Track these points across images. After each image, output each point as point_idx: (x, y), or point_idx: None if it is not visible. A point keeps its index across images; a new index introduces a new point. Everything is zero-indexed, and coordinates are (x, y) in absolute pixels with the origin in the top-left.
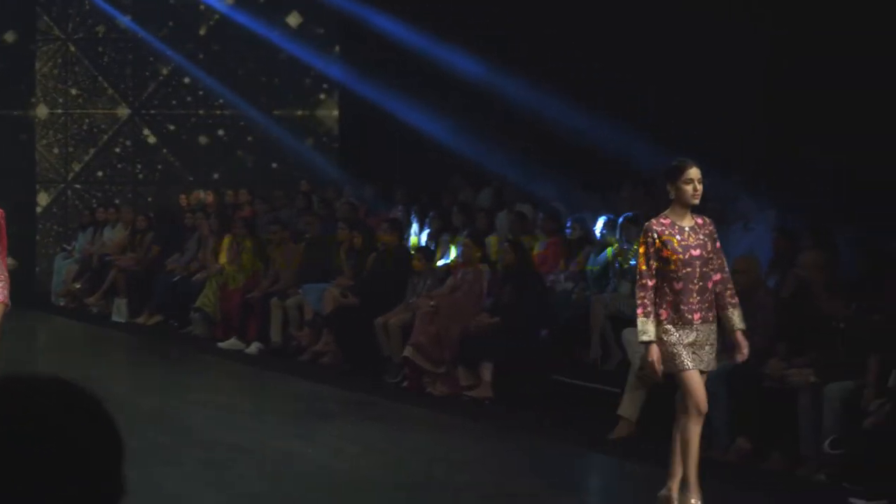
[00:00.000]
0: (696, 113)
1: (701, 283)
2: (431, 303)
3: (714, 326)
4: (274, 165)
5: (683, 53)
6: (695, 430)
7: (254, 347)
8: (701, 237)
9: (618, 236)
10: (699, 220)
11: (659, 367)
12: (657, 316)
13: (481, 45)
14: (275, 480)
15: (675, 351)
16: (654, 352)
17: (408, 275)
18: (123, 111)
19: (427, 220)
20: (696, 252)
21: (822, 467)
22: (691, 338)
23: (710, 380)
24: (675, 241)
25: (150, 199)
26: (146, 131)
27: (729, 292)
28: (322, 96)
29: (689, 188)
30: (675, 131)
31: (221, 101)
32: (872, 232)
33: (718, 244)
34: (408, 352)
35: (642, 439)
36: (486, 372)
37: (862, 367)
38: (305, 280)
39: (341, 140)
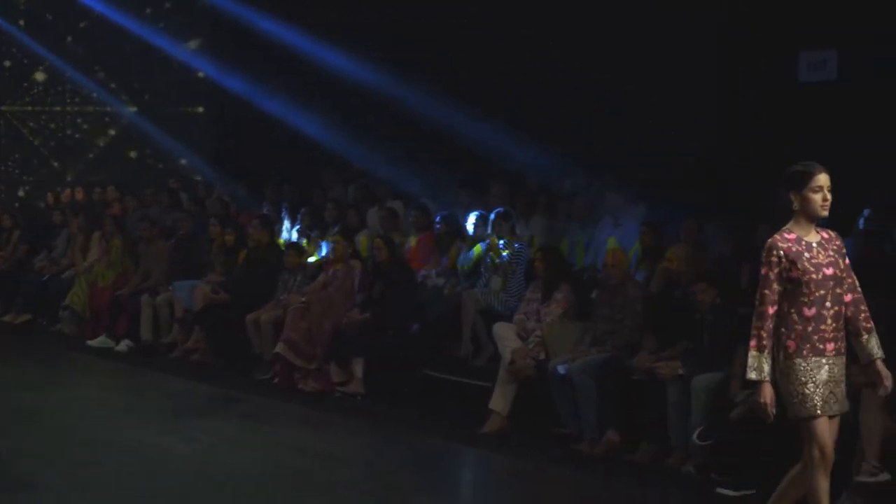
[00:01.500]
0: (566, 108)
1: (836, 308)
2: (302, 299)
3: (845, 359)
4: (145, 162)
5: (549, 47)
6: (824, 485)
7: (123, 345)
8: (831, 253)
9: (489, 232)
10: (825, 235)
11: (772, 409)
12: (784, 349)
13: (352, 41)
14: (149, 478)
15: (805, 392)
16: (768, 392)
17: (279, 271)
18: None
19: (298, 217)
20: (830, 271)
21: (691, 458)
22: (824, 374)
23: (579, 373)
24: (804, 259)
25: (20, 195)
26: (17, 128)
27: (864, 315)
28: (193, 93)
29: (817, 197)
30: (545, 127)
31: (95, 96)
32: (738, 225)
33: (847, 260)
34: (279, 348)
35: (514, 433)
36: (358, 368)
37: (728, 359)
38: (176, 277)
39: (213, 137)
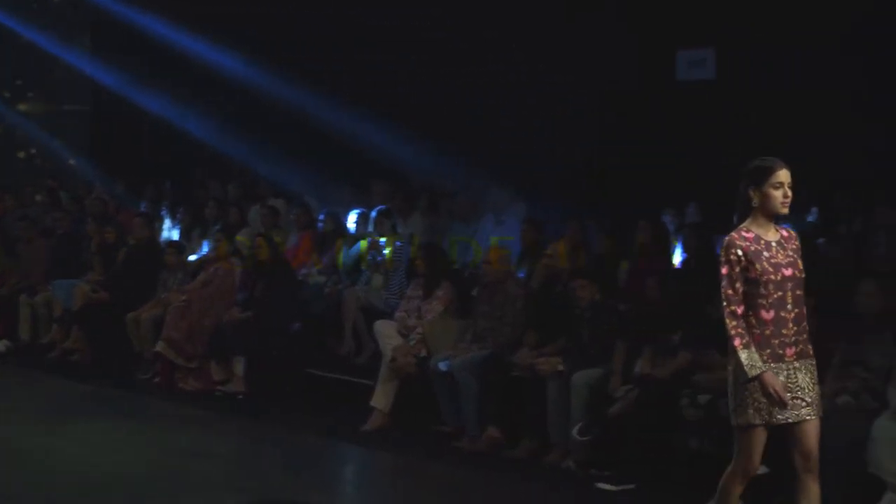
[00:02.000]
0: (447, 106)
1: (797, 311)
2: (183, 297)
3: (814, 362)
4: (32, 163)
5: (430, 45)
6: (736, 491)
7: (2, 345)
8: (790, 253)
9: (370, 230)
10: (784, 233)
11: (784, 394)
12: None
13: (234, 39)
14: (29, 478)
15: (757, 399)
16: (775, 380)
17: (159, 270)
18: None
19: (178, 215)
20: (789, 272)
21: (571, 454)
22: (781, 379)
23: (460, 370)
24: (763, 258)
25: None
26: None
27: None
28: (71, 91)
29: (778, 194)
30: (426, 125)
31: None
32: (618, 223)
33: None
34: (159, 347)
35: (395, 430)
36: (239, 366)
37: (608, 355)
38: (55, 276)
39: (94, 136)
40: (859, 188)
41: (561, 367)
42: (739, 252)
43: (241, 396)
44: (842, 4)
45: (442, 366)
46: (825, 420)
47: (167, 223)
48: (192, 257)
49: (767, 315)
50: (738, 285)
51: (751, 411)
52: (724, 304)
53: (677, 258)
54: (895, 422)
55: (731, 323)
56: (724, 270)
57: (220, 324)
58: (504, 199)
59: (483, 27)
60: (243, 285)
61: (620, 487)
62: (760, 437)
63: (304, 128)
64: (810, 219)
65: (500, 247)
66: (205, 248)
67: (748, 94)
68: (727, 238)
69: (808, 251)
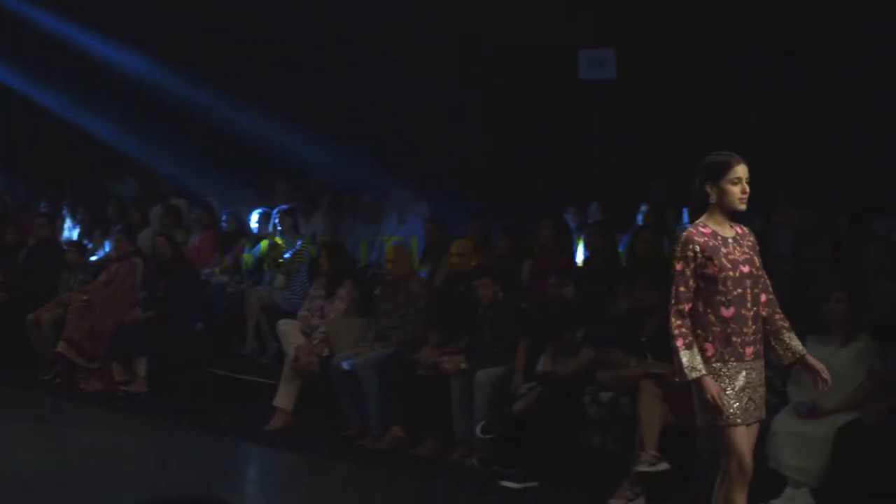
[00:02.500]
0: (350, 106)
1: (755, 309)
2: (84, 297)
3: (763, 362)
4: None
5: (331, 45)
6: (741, 498)
7: None
8: (746, 250)
9: (272, 229)
10: (739, 230)
11: (722, 403)
12: (702, 352)
13: (135, 38)
14: None
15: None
16: (713, 386)
17: (60, 270)
18: None
19: (78, 215)
20: (746, 269)
21: (474, 452)
22: (742, 380)
23: (363, 369)
24: (720, 254)
25: None
26: None
27: (779, 315)
28: None
29: (736, 189)
30: (328, 124)
31: None
32: (520, 222)
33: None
34: (60, 347)
35: (298, 430)
36: (141, 366)
37: (511, 353)
38: None
39: None
40: (759, 187)
41: (464, 366)
42: (697, 248)
43: (143, 396)
44: (742, 4)
45: (345, 365)
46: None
47: (68, 223)
48: (94, 257)
49: (727, 312)
50: (691, 283)
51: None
52: (672, 301)
53: (580, 257)
54: (794, 417)
55: (675, 322)
56: (678, 267)
57: (122, 324)
58: (406, 199)
59: (381, 27)
60: (145, 285)
61: (524, 485)
62: (741, 434)
63: (207, 127)
64: None
65: (401, 245)
66: (106, 248)
67: (649, 94)
68: (685, 233)
69: None
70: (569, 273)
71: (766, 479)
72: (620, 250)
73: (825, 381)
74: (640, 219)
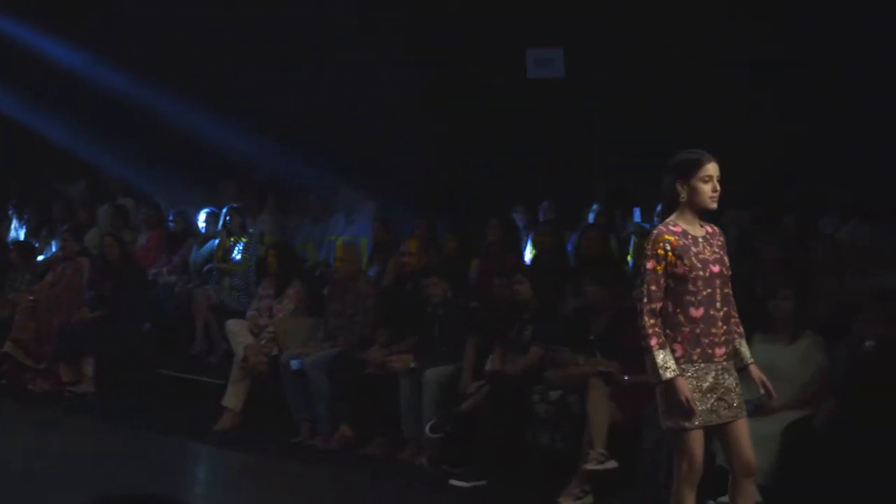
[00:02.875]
0: (298, 105)
1: (725, 309)
2: (31, 298)
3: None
4: None
5: (277, 45)
6: (690, 499)
7: None
8: (716, 249)
9: (220, 229)
10: (709, 229)
11: (694, 403)
12: (671, 352)
13: (82, 37)
14: None
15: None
16: (686, 387)
17: (6, 270)
18: None
19: (25, 215)
20: (716, 268)
21: (423, 451)
22: (709, 381)
23: (312, 368)
24: (691, 253)
25: None
26: None
27: (735, 319)
28: None
29: (707, 188)
30: (277, 124)
31: None
32: (468, 221)
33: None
34: (7, 348)
35: (247, 429)
36: (88, 367)
37: (459, 352)
38: None
39: None
40: None
41: (413, 365)
42: (668, 247)
43: (90, 397)
44: (688, 5)
45: (294, 364)
46: None
47: (14, 223)
48: (41, 257)
49: (697, 312)
50: (662, 282)
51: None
52: (644, 300)
53: (528, 255)
54: None
55: (648, 321)
56: (649, 265)
57: (69, 324)
58: (354, 199)
59: (331, 25)
60: (92, 285)
61: (472, 484)
62: (697, 437)
63: (153, 127)
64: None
65: (351, 244)
66: (53, 248)
67: (595, 93)
68: (655, 231)
69: None
70: (525, 271)
71: (715, 477)
72: (569, 249)
73: (769, 392)
74: (591, 218)
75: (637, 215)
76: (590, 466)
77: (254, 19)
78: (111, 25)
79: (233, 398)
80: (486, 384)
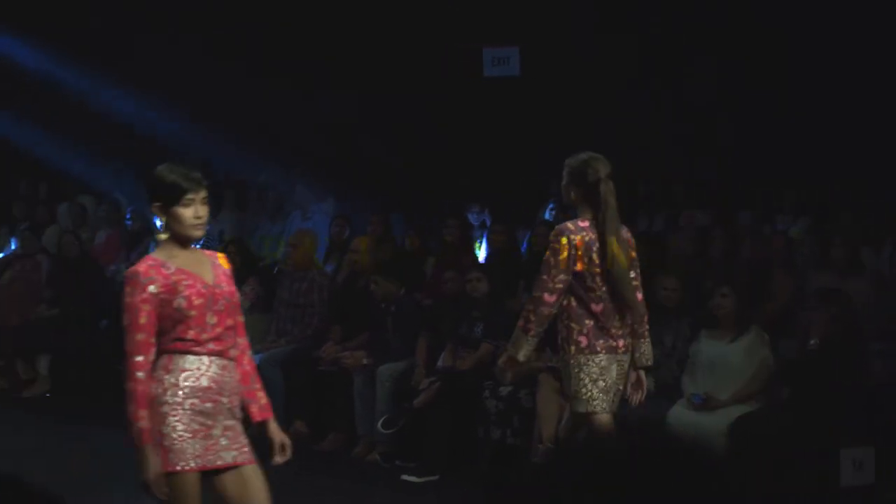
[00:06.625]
0: (254, 104)
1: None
2: None
3: (629, 355)
4: None
5: (237, 40)
6: None
7: None
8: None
9: None
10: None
11: (508, 375)
12: (576, 344)
13: (39, 35)
14: None
15: (595, 389)
16: (513, 364)
17: None
18: None
19: None
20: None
21: (377, 447)
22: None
23: (266, 364)
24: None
25: None
26: None
27: (641, 319)
28: None
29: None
30: (232, 121)
31: None
32: (424, 217)
33: (634, 253)
34: None
35: None
36: (44, 364)
37: (412, 348)
38: None
39: None
40: (663, 188)
41: (366, 361)
42: (572, 241)
43: (47, 395)
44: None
45: None
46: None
47: None
48: (0, 255)
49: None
50: (561, 275)
51: (588, 398)
52: (539, 289)
53: (482, 254)
54: (689, 409)
55: (528, 306)
56: (552, 259)
57: (27, 321)
58: (310, 196)
59: (291, 21)
60: (50, 282)
61: (425, 479)
62: (608, 421)
63: (111, 125)
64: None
65: (304, 231)
66: (12, 246)
67: (550, 91)
68: (558, 227)
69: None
70: (481, 268)
71: None
72: (523, 248)
73: (639, 397)
74: (546, 215)
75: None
76: (539, 460)
77: (211, 16)
78: (70, 25)
79: None
80: (438, 380)
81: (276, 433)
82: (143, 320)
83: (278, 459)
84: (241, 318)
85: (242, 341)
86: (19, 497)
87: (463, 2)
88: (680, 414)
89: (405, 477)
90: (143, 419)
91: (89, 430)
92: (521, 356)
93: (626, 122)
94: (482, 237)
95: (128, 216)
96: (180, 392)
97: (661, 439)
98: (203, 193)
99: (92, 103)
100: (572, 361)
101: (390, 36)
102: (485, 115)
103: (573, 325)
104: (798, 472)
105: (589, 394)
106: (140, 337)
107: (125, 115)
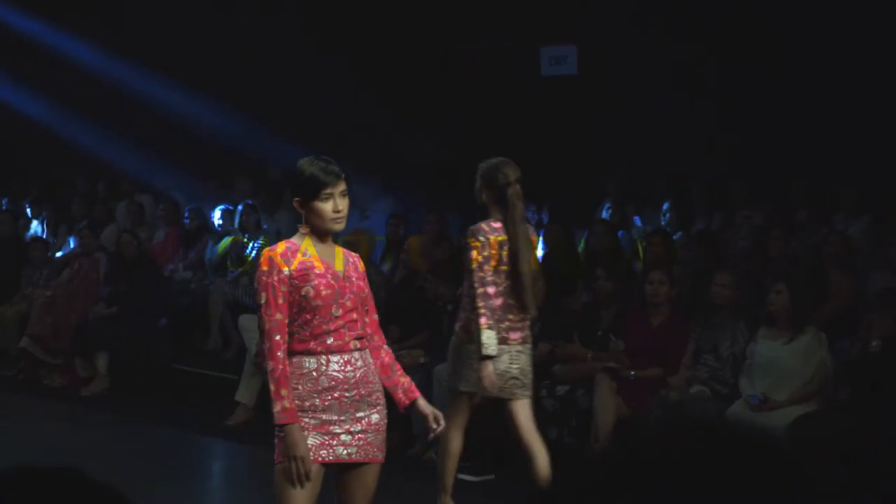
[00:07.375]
0: (311, 103)
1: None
2: (48, 293)
3: (532, 347)
4: None
5: (290, 38)
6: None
7: None
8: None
9: (235, 226)
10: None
11: (495, 383)
12: (476, 331)
13: (98, 34)
14: None
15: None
16: (491, 370)
17: (23, 266)
18: None
19: (44, 212)
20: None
21: (433, 446)
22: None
23: None
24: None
25: None
26: None
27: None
28: None
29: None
30: (290, 121)
31: None
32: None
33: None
34: (24, 343)
35: (259, 424)
36: (102, 362)
37: None
38: None
39: None
40: (714, 185)
41: (423, 360)
42: (484, 239)
43: (105, 392)
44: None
45: None
46: (679, 406)
47: (33, 220)
48: (59, 253)
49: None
50: (486, 267)
51: (463, 381)
52: (477, 284)
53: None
54: (747, 410)
55: (480, 302)
56: (473, 254)
57: (85, 319)
58: (368, 195)
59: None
60: (108, 280)
61: (481, 478)
62: (467, 404)
63: (170, 124)
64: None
65: (361, 230)
66: (71, 245)
67: (607, 90)
68: (473, 227)
69: (666, 246)
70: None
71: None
72: (580, 247)
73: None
74: (604, 213)
75: (638, 221)
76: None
77: (267, 16)
78: (128, 25)
79: (246, 393)
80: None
81: (426, 408)
82: (280, 300)
83: (434, 428)
84: (375, 316)
85: (378, 337)
86: (83, 489)
87: (522, 1)
88: (738, 415)
89: (461, 476)
90: (286, 398)
91: (146, 428)
92: (494, 349)
93: (683, 121)
94: (539, 236)
95: (185, 215)
96: (296, 400)
97: (722, 433)
98: (342, 186)
99: (149, 103)
100: (466, 347)
101: (449, 35)
102: (542, 115)
103: (473, 315)
104: (862, 472)
105: (475, 375)
106: (279, 317)
107: (186, 116)
